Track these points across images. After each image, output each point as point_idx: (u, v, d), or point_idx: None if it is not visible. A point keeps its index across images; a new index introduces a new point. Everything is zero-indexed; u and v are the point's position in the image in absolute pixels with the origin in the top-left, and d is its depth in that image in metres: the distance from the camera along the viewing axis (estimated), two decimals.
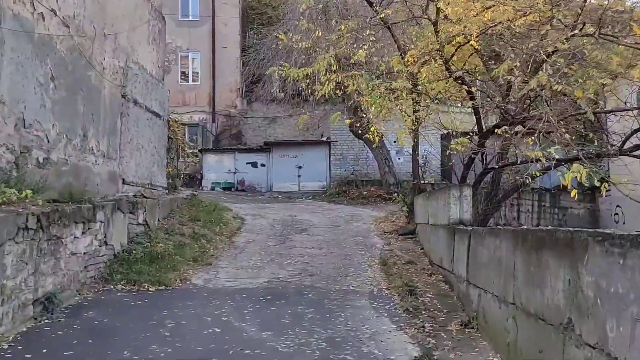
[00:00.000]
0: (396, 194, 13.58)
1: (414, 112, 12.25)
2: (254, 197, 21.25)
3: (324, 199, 20.64)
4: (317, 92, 14.13)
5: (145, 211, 10.76)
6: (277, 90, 27.19)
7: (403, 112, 11.66)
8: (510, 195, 12.78)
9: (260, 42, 27.14)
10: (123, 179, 11.27)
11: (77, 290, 7.20)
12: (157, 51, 13.34)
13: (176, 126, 14.59)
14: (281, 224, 13.55)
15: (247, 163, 24.16)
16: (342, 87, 16.06)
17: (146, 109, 12.51)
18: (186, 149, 15.09)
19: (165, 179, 14.10)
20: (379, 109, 11.97)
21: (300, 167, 23.61)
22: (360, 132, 21.59)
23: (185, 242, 10.31)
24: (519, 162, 13.33)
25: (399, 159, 23.41)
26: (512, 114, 11.88)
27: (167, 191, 13.97)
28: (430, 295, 7.13)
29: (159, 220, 11.73)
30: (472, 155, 11.25)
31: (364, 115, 21.54)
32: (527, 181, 8.69)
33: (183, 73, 28.08)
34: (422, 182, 12.84)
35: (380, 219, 13.94)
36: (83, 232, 7.41)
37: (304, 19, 13.47)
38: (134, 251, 8.81)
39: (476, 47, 8.84)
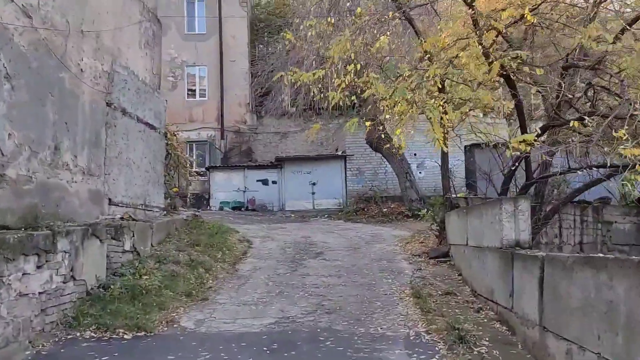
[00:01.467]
0: (424, 210, 11.83)
1: (444, 113, 10.66)
2: (265, 216, 19.67)
3: (341, 217, 19.00)
4: (330, 99, 12.64)
5: (133, 236, 9.22)
6: (289, 104, 25.81)
7: (433, 110, 10.09)
8: (560, 210, 11.05)
9: (270, 54, 25.88)
10: (109, 199, 9.75)
11: (29, 342, 5.62)
12: (151, 56, 11.93)
13: (175, 140, 13.10)
14: (293, 247, 11.92)
15: (258, 180, 22.65)
16: (358, 92, 14.58)
17: (138, 120, 11.04)
18: (187, 165, 13.49)
19: (163, 199, 12.58)
20: (404, 107, 10.41)
21: (314, 184, 22.04)
22: (377, 144, 20.04)
23: (179, 272, 8.71)
24: (559, 171, 11.65)
25: (420, 172, 21.78)
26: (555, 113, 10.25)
27: (165, 212, 12.44)
28: (486, 343, 5.40)
29: (152, 246, 10.19)
30: (514, 164, 9.58)
31: (383, 124, 20.01)
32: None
33: (190, 89, 26.85)
34: (454, 196, 11.15)
35: (405, 239, 12.24)
36: (38, 267, 5.85)
37: (313, 17, 11.96)
38: (112, 286, 7.22)
39: (532, 22, 7.21)
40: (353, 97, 12.86)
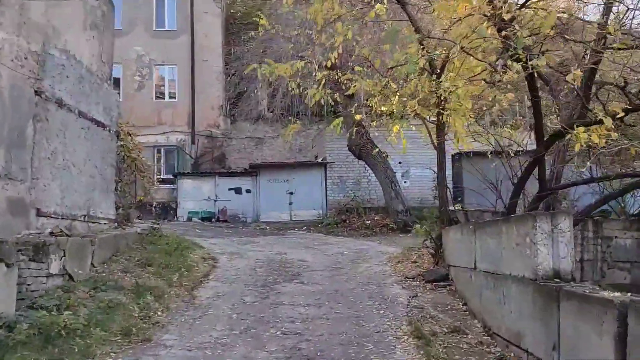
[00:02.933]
0: (418, 225, 10.24)
1: (439, 112, 9.15)
2: (237, 229, 17.90)
3: (321, 229, 17.34)
4: (310, 97, 11.04)
5: (64, 256, 7.42)
6: (265, 108, 24.15)
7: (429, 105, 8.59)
8: (577, 224, 9.61)
9: (244, 52, 24.18)
10: (38, 209, 7.95)
11: None
12: (99, 40, 10.17)
13: (130, 141, 11.31)
14: (266, 267, 10.21)
15: (230, 189, 20.88)
16: (342, 87, 12.98)
17: (80, 115, 9.26)
18: (145, 170, 11.70)
19: (113, 209, 10.77)
20: (395, 104, 8.89)
21: (292, 193, 20.38)
22: (361, 151, 18.49)
23: (120, 302, 6.94)
24: (581, 180, 10.22)
25: (405, 182, 20.30)
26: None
27: (115, 225, 10.64)
28: None
29: (93, 267, 8.39)
30: (527, 171, 8.09)
31: (366, 129, 18.44)
32: None
33: (158, 90, 24.98)
34: (452, 209, 9.59)
35: (395, 257, 10.63)
36: None
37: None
38: (18, 326, 5.43)
39: None
40: (336, 95, 11.26)
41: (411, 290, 8.19)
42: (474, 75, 9.00)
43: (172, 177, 22.14)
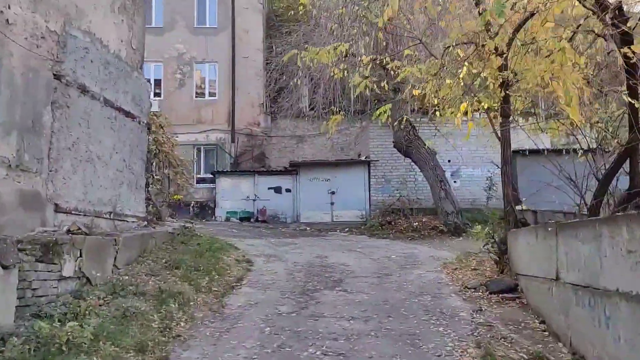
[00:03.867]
0: (468, 226, 9.05)
1: (505, 92, 7.95)
2: (276, 229, 17.04)
3: (364, 231, 16.26)
4: (356, 85, 10.01)
5: (80, 256, 6.65)
6: (307, 105, 23.25)
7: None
8: None
9: (286, 48, 23.35)
10: (56, 205, 7.21)
11: None
12: (128, 25, 9.44)
13: (163, 134, 10.55)
14: (305, 272, 9.23)
15: (270, 188, 20.05)
16: (391, 74, 11.87)
17: (106, 103, 8.53)
18: (178, 165, 10.93)
19: (143, 206, 10.04)
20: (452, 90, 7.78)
21: (333, 193, 19.36)
22: (407, 147, 17.29)
23: (139, 311, 6.08)
24: None
25: (454, 182, 18.94)
26: None
27: (145, 223, 9.89)
28: None
29: (117, 268, 7.63)
30: (614, 166, 6.80)
31: (413, 125, 17.21)
32: None
33: (198, 87, 24.49)
34: (519, 208, 8.33)
35: (450, 263, 9.45)
36: None
37: None
38: (11, 339, 4.62)
39: None
40: (383, 83, 10.18)
41: (474, 303, 7.02)
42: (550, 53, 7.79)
43: (211, 176, 21.49)
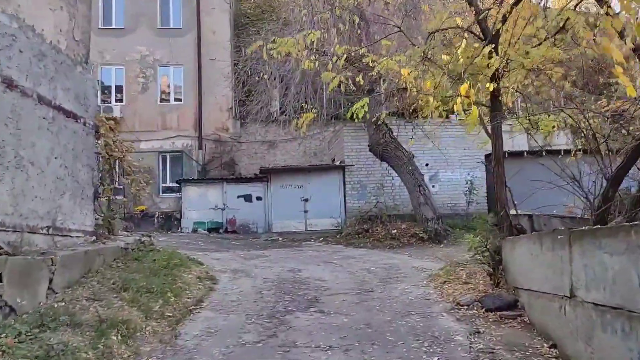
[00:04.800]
0: (471, 235, 8.12)
1: (497, 83, 7.09)
2: (246, 240, 15.95)
3: (340, 241, 15.29)
4: (328, 81, 9.08)
5: (1, 282, 5.48)
6: (277, 110, 22.25)
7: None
8: None
9: (255, 50, 22.35)
10: None
11: None
12: (70, 14, 8.29)
13: (113, 137, 9.39)
14: (275, 289, 8.18)
15: (239, 197, 18.95)
16: (368, 68, 10.94)
17: (40, 101, 7.35)
18: (132, 172, 9.77)
19: (92, 219, 8.83)
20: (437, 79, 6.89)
21: (306, 200, 18.39)
22: (384, 151, 16.41)
23: (69, 348, 4.95)
24: None
25: (433, 186, 18.12)
26: None
27: (93, 238, 8.70)
28: None
29: (53, 293, 6.46)
30: (626, 162, 5.96)
31: (389, 127, 16.34)
32: None
33: (163, 92, 23.28)
34: (513, 213, 7.46)
35: (438, 275, 8.50)
36: None
37: None
38: None
39: None
40: (359, 78, 9.25)
41: (469, 324, 6.08)
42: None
43: (177, 185, 20.27)
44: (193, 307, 7.03)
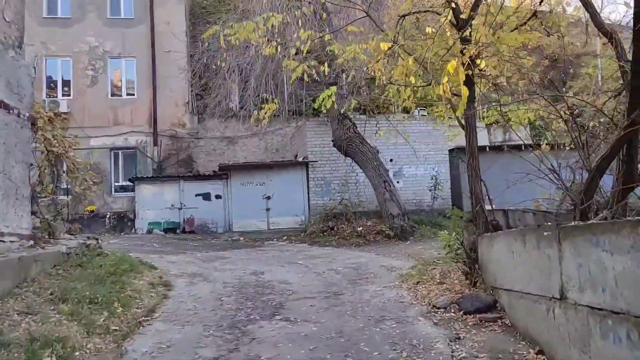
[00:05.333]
0: (444, 231, 7.65)
1: (471, 71, 6.65)
2: (205, 241, 15.17)
3: (304, 239, 14.72)
4: (291, 70, 8.49)
5: None
6: (237, 105, 21.46)
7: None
8: None
9: (213, 42, 21.46)
10: None
11: None
12: None
13: (54, 131, 8.50)
14: (236, 295, 7.53)
15: (197, 195, 18.10)
16: (330, 58, 10.36)
17: None
18: (76, 169, 8.90)
19: (29, 222, 7.94)
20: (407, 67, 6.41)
21: (268, 198, 17.72)
22: (348, 146, 15.92)
23: None
24: None
25: (397, 182, 17.74)
26: None
27: (31, 242, 7.82)
28: None
29: None
30: (608, 153, 5.59)
31: (354, 122, 15.87)
32: None
33: (114, 85, 22.11)
34: (488, 208, 7.05)
35: (410, 275, 8.01)
36: None
37: None
38: None
39: None
40: (324, 67, 8.66)
41: (448, 329, 5.60)
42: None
43: (131, 183, 19.21)
44: (143, 318, 6.30)
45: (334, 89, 7.35)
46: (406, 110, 20.60)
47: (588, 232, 3.98)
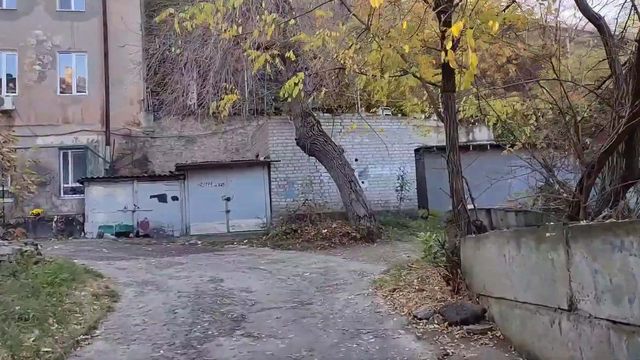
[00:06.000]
0: (426, 233, 7.01)
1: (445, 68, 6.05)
2: (160, 245, 14.20)
3: (266, 242, 13.95)
4: (252, 60, 7.75)
5: None
6: (196, 103, 20.44)
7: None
8: None
9: (170, 36, 20.38)
10: None
11: None
12: None
13: None
14: (192, 306, 6.70)
15: (153, 196, 17.04)
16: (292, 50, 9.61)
17: None
18: (13, 167, 7.87)
19: None
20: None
21: (228, 200, 16.84)
22: (312, 145, 15.24)
23: None
24: None
25: (362, 182, 17.14)
26: None
27: None
28: None
29: None
30: (609, 146, 5.09)
31: (318, 120, 15.18)
32: None
33: (64, 81, 20.76)
34: (470, 207, 6.48)
35: (384, 281, 7.36)
36: None
37: None
38: None
39: None
40: (289, 54, 7.94)
41: (434, 343, 4.96)
42: None
43: (79, 183, 17.97)
44: (82, 336, 5.41)
45: (301, 75, 6.65)
46: (368, 109, 20.16)
47: (609, 232, 3.40)
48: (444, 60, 6.11)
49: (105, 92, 20.31)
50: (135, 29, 20.69)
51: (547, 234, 4.14)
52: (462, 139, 22.94)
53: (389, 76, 6.70)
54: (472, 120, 23.17)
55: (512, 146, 7.60)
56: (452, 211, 6.50)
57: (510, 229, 5.82)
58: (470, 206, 6.42)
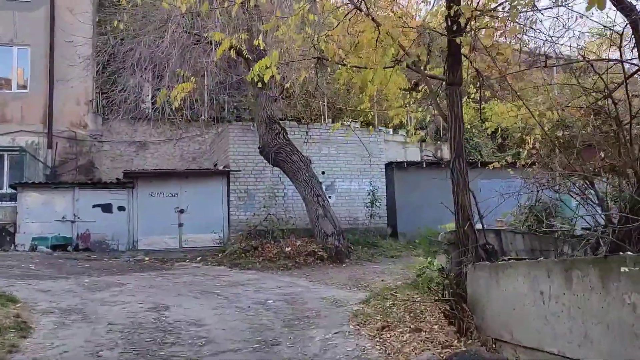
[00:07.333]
0: (428, 257, 5.75)
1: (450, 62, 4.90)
2: (100, 261, 12.46)
3: (223, 260, 12.44)
4: (217, 42, 6.40)
5: None
6: (150, 107, 18.80)
7: None
8: None
9: (122, 33, 18.71)
10: None
11: None
12: None
13: None
14: (124, 345, 5.20)
15: (96, 206, 15.25)
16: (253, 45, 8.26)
17: None
18: None
19: None
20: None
21: (182, 212, 15.25)
22: (277, 154, 13.89)
23: None
24: None
25: (329, 197, 15.87)
26: None
27: None
28: None
29: None
30: None
31: (283, 127, 13.86)
32: None
33: (3, 77, 18.78)
34: (479, 227, 5.27)
35: (368, 315, 6.01)
36: None
37: None
38: None
39: None
40: (257, 41, 6.62)
41: None
42: None
43: (12, 189, 16.01)
44: None
45: (275, 54, 5.34)
46: (333, 121, 18.94)
47: None
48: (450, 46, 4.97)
49: (49, 90, 18.42)
50: (86, 25, 18.93)
51: (623, 269, 2.94)
52: (430, 155, 22.13)
53: (384, 67, 5.45)
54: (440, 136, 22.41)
55: (531, 165, 6.35)
56: (456, 231, 5.25)
57: (551, 259, 4.63)
58: (478, 226, 5.21)
